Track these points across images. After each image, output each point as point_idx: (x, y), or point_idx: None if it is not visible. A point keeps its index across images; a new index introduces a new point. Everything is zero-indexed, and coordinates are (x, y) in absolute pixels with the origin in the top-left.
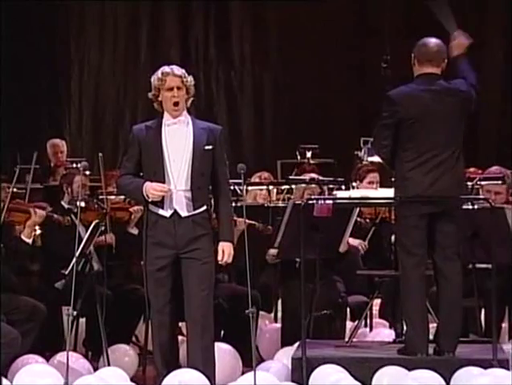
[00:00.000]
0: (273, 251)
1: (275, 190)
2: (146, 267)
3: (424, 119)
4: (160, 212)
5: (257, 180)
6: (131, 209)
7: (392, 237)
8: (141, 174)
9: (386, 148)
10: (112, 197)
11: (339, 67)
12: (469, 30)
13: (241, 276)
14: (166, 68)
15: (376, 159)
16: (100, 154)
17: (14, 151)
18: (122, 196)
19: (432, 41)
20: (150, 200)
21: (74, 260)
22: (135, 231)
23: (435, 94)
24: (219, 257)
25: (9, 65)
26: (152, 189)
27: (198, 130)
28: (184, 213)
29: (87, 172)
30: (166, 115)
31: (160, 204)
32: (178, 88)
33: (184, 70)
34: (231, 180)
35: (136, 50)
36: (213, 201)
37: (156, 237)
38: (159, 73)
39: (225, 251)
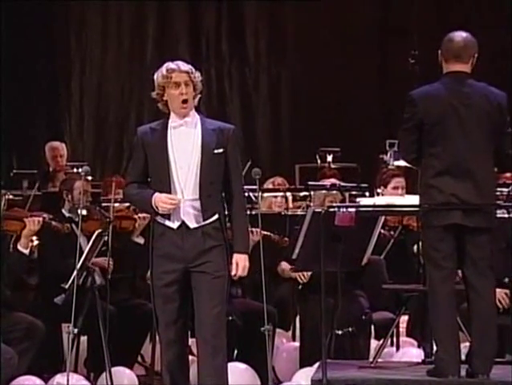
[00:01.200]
0: (285, 264)
1: (291, 197)
2: (153, 282)
3: (445, 123)
4: (167, 223)
5: (270, 186)
6: (136, 217)
7: (415, 247)
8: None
9: (415, 154)
10: (116, 205)
11: (362, 64)
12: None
13: (256, 290)
14: (171, 64)
15: (403, 163)
16: (114, 178)
17: (10, 155)
18: (126, 204)
19: (459, 35)
20: (160, 212)
21: (74, 273)
22: (140, 240)
23: (462, 95)
24: (233, 271)
25: (4, 62)
26: (160, 202)
27: (207, 131)
28: (192, 224)
29: (89, 178)
30: (172, 116)
31: (166, 214)
32: (186, 84)
33: (191, 66)
34: (245, 186)
35: (141, 46)
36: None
37: (162, 249)
38: (163, 70)
39: (240, 264)
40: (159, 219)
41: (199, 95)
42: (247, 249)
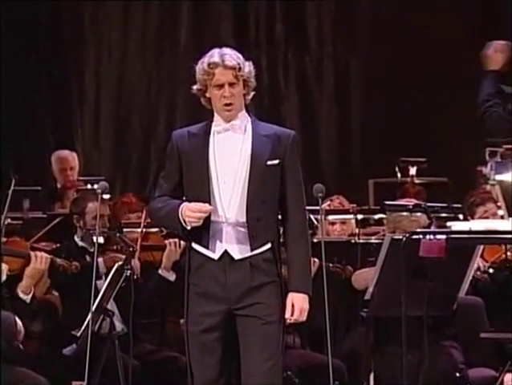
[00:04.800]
0: None
1: (354, 221)
2: (188, 327)
3: None
4: (206, 252)
5: (327, 208)
6: (166, 242)
7: None
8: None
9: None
10: (140, 230)
11: (455, 51)
12: None
13: (318, 339)
14: (215, 56)
15: (507, 178)
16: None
17: (7, 168)
18: (155, 229)
19: None
20: (188, 227)
21: (89, 317)
22: (171, 276)
23: None
24: (287, 314)
25: None
26: (187, 210)
27: (259, 138)
28: (237, 255)
29: (107, 196)
30: (217, 118)
31: (204, 241)
32: (231, 84)
33: (240, 58)
34: (306, 207)
35: (174, 28)
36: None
37: (200, 285)
38: (205, 63)
39: (296, 305)
40: (196, 247)
41: (252, 93)
42: (307, 288)
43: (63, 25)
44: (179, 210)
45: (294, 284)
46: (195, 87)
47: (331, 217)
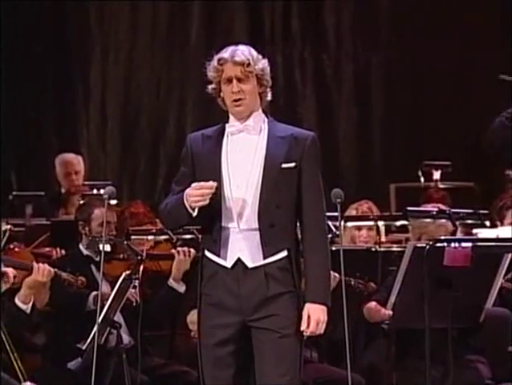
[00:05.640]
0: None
1: (383, 228)
2: (200, 340)
3: None
4: (218, 260)
5: (353, 212)
6: (174, 251)
7: None
8: None
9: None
10: (150, 238)
11: (482, 50)
12: None
13: (337, 352)
14: (226, 52)
15: None
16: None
17: (8, 172)
18: (163, 236)
19: None
20: (195, 213)
21: (95, 328)
22: (181, 288)
23: None
24: (303, 326)
25: None
26: (190, 190)
27: (275, 139)
28: (250, 263)
29: (114, 202)
30: (231, 119)
31: (216, 248)
32: (239, 80)
33: (253, 54)
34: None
35: (184, 24)
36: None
37: (213, 296)
38: (215, 59)
39: (313, 317)
40: (209, 254)
41: (269, 92)
42: (325, 299)
43: (68, 23)
44: (184, 197)
45: (310, 294)
46: (210, 87)
47: (351, 224)
